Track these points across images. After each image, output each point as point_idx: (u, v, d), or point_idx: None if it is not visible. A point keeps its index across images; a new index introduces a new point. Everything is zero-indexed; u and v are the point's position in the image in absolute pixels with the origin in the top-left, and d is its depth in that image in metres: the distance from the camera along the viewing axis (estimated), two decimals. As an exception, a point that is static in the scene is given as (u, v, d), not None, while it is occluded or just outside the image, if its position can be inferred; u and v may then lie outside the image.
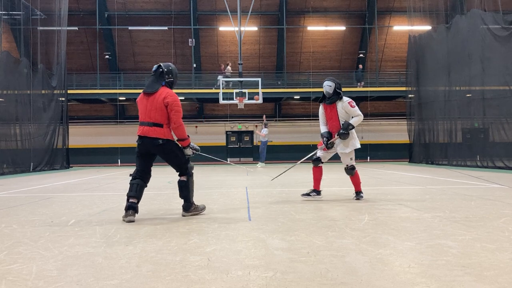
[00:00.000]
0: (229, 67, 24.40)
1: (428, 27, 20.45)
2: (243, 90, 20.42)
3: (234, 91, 20.54)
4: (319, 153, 6.30)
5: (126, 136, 26.32)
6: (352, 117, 6.03)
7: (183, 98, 25.68)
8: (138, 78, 26.86)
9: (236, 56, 24.41)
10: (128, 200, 4.67)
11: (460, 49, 16.47)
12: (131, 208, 4.61)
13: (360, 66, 26.36)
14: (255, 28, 27.35)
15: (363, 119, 6.19)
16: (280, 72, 27.67)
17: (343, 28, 28.02)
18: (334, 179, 10.81)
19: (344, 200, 6.31)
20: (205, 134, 26.76)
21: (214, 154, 29.04)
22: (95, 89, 25.26)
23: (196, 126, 26.92)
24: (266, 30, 28.01)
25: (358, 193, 6.28)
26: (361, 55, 28.44)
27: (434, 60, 18.49)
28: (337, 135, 6.04)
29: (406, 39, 22.11)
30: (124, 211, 4.67)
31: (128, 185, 4.78)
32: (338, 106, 6.07)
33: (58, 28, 19.69)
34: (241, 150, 27.70)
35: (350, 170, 6.20)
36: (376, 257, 2.95)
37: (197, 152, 5.10)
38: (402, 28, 26.67)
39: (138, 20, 27.47)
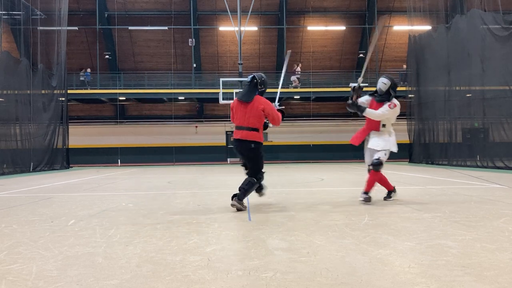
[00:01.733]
0: (298, 68, 24.96)
1: (428, 27, 20.45)
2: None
3: (234, 91, 20.55)
4: (377, 154, 5.71)
5: (126, 136, 26.36)
6: (378, 111, 5.70)
7: (183, 98, 25.72)
8: (138, 78, 26.87)
9: (236, 56, 24.44)
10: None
11: (460, 49, 16.46)
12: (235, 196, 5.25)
13: (404, 66, 26.19)
14: (255, 28, 27.35)
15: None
16: (280, 72, 27.66)
17: (343, 28, 28.03)
18: (334, 179, 10.82)
19: (344, 200, 6.30)
20: (205, 134, 26.78)
21: (214, 155, 28.91)
22: (95, 89, 25.26)
23: (196, 126, 26.94)
24: (266, 30, 28.01)
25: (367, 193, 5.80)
26: (361, 55, 28.45)
27: (434, 60, 18.48)
28: (352, 102, 5.65)
29: (406, 39, 22.11)
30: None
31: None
32: (384, 105, 5.75)
33: (58, 28, 19.69)
34: (241, 150, 27.71)
35: (377, 166, 5.65)
36: (376, 257, 2.95)
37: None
38: (402, 28, 26.67)
39: (138, 20, 27.47)
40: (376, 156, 5.69)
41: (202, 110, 28.83)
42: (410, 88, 20.78)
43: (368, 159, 5.86)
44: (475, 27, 15.37)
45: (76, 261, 2.97)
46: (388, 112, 5.73)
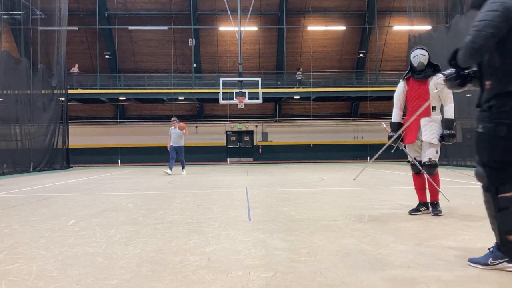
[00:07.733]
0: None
1: (428, 27, 20.46)
2: (243, 90, 20.44)
3: (234, 91, 20.55)
4: (412, 155, 4.90)
5: (126, 136, 26.38)
6: (446, 106, 4.65)
7: (183, 98, 25.72)
8: (138, 78, 26.87)
9: (236, 56, 24.42)
10: None
11: (460, 49, 16.44)
12: None
13: None
14: (255, 28, 27.36)
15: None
16: (280, 72, 27.68)
17: (343, 28, 28.04)
18: (334, 179, 10.82)
19: (344, 200, 6.31)
20: (205, 134, 26.79)
21: (214, 154, 28.93)
22: (95, 89, 25.27)
23: (196, 126, 26.94)
24: (266, 30, 28.03)
25: (436, 205, 4.74)
26: (361, 55, 28.47)
27: (434, 60, 18.41)
28: (441, 137, 4.66)
29: (406, 39, 22.13)
30: None
31: None
32: (430, 82, 4.71)
33: (58, 28, 19.71)
34: (241, 150, 27.70)
35: (432, 168, 4.71)
36: (376, 257, 2.95)
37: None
38: (402, 28, 26.69)
39: (138, 20, 27.48)
40: (432, 158, 4.70)
41: (202, 110, 28.84)
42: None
43: (423, 155, 4.80)
44: (475, 27, 15.35)
45: (76, 261, 2.97)
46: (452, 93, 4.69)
